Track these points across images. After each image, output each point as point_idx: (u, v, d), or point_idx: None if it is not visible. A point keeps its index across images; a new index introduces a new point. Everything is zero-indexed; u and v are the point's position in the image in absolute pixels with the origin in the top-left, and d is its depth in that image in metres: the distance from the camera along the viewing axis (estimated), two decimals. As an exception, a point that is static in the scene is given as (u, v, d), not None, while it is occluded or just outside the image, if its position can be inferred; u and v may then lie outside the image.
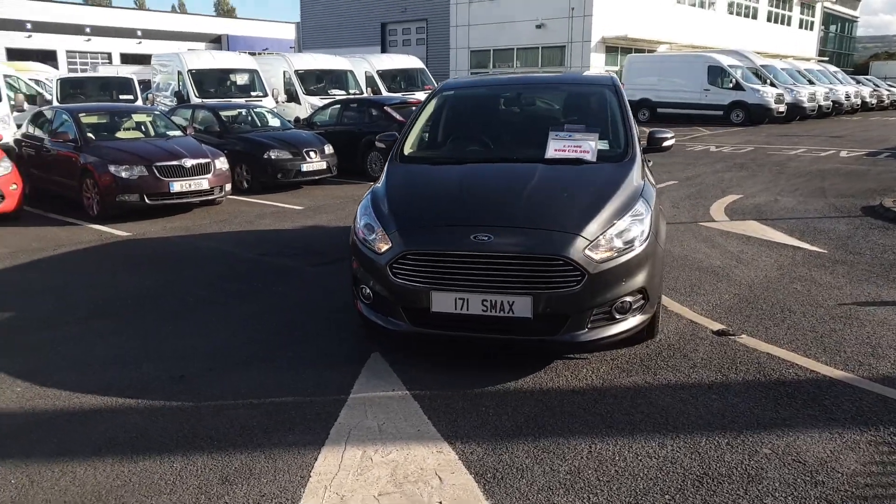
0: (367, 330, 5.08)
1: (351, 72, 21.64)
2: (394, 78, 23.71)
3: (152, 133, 11.26)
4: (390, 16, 42.15)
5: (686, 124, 27.09)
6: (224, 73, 19.56)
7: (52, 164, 10.78)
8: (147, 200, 9.64)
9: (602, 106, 6.00)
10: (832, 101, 31.53)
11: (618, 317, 4.32)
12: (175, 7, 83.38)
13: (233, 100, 17.57)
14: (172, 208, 10.23)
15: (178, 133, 11.36)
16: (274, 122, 14.08)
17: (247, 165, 12.29)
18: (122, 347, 5.09)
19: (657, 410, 3.96)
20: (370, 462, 3.48)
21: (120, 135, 10.94)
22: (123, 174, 9.53)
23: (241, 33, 60.15)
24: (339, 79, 21.23)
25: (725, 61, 28.10)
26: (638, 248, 4.34)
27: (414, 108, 12.30)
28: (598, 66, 32.81)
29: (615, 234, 4.32)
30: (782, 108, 27.34)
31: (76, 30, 50.45)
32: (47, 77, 21.49)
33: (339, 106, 15.57)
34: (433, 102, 6.30)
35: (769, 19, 46.82)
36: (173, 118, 13.05)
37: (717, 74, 28.00)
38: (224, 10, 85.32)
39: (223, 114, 13.64)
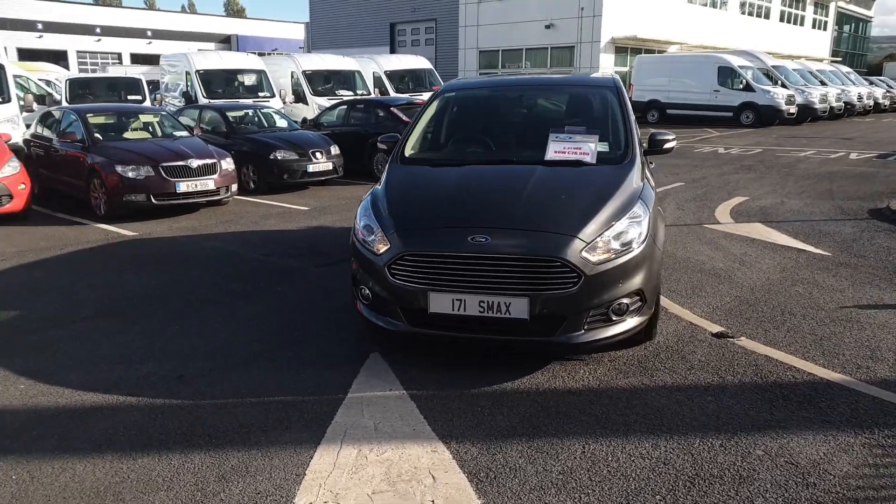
0: (367, 330, 5.12)
1: (358, 72, 21.69)
2: (402, 78, 23.76)
3: (159, 133, 11.35)
4: (399, 16, 42.21)
5: (695, 126, 27.05)
6: (232, 74, 19.67)
7: (60, 164, 10.89)
8: (153, 200, 9.71)
9: (603, 107, 6.01)
10: (844, 102, 31.35)
11: (615, 318, 4.34)
12: (185, 7, 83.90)
13: (240, 100, 17.69)
14: (179, 208, 10.31)
15: (184, 133, 11.45)
16: (281, 123, 14.15)
17: (253, 166, 12.37)
18: (127, 346, 5.14)
19: (652, 412, 3.98)
20: (365, 461, 3.52)
21: (127, 135, 11.04)
22: (130, 174, 9.61)
23: (250, 33, 60.45)
24: (346, 79, 21.29)
25: (736, 62, 27.99)
26: (635, 250, 4.35)
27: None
28: (607, 66, 32.72)
29: (612, 236, 4.34)
30: (793, 109, 27.20)
31: (86, 30, 50.85)
32: (57, 77, 21.65)
33: (345, 107, 15.63)
34: (435, 104, 6.33)
35: (782, 19, 46.52)
36: (181, 118, 13.15)
37: (727, 75, 27.89)
38: (234, 11, 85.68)
39: (230, 114, 13.73)
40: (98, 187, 9.93)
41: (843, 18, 59.34)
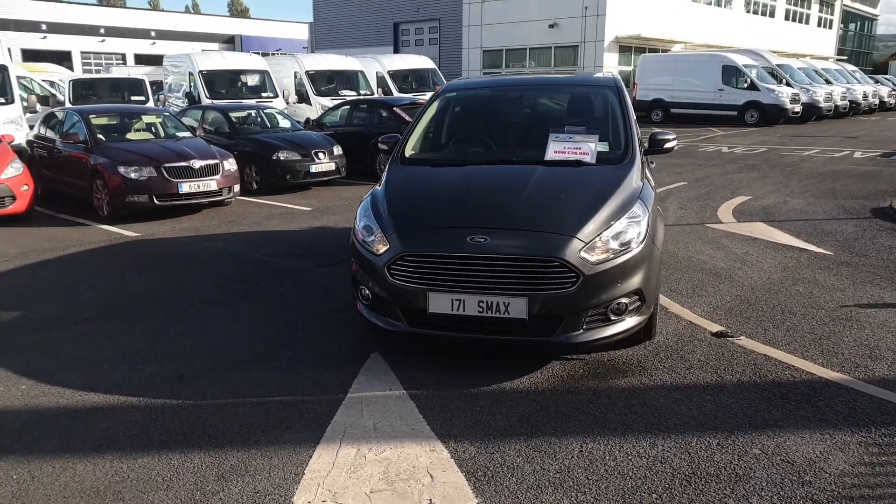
0: (367, 330, 5.14)
1: (362, 72, 21.72)
2: (405, 78, 23.78)
3: (162, 134, 11.39)
4: (403, 15, 42.25)
5: (700, 125, 27.00)
6: (235, 74, 19.72)
7: (63, 165, 10.94)
8: (156, 201, 9.75)
9: (603, 107, 6.02)
10: (849, 100, 31.25)
11: (613, 318, 4.35)
12: (189, 7, 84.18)
13: (243, 101, 17.73)
14: (181, 209, 10.35)
15: (187, 134, 11.49)
16: (284, 124, 14.18)
17: (256, 166, 12.40)
18: (129, 347, 5.17)
19: (650, 411, 3.99)
20: (364, 460, 3.54)
21: (130, 136, 11.07)
22: (133, 175, 9.65)
23: (254, 34, 60.58)
24: (349, 79, 21.33)
25: (740, 61, 27.91)
26: (634, 250, 4.36)
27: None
28: (611, 65, 32.67)
29: (611, 236, 4.35)
30: (798, 108, 27.14)
31: (90, 31, 51.00)
32: (61, 78, 21.72)
33: (348, 107, 15.66)
34: (435, 104, 6.35)
35: (787, 17, 46.35)
36: (184, 119, 13.20)
37: (731, 74, 27.81)
38: (238, 11, 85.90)
39: (233, 115, 13.77)
40: (101, 188, 9.97)
41: (848, 16, 59.12)
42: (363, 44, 40.87)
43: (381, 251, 4.50)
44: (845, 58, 51.41)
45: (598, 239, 4.28)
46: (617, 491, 3.22)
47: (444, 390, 4.29)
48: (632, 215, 4.51)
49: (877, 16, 66.48)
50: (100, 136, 10.59)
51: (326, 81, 20.89)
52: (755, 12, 43.16)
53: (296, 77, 20.73)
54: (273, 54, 28.63)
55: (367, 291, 4.65)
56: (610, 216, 4.45)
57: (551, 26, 34.19)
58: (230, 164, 10.56)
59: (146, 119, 11.79)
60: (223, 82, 19.26)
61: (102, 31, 51.75)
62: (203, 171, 10.09)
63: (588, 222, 4.35)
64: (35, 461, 3.60)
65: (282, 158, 12.17)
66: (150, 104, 18.84)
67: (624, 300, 4.33)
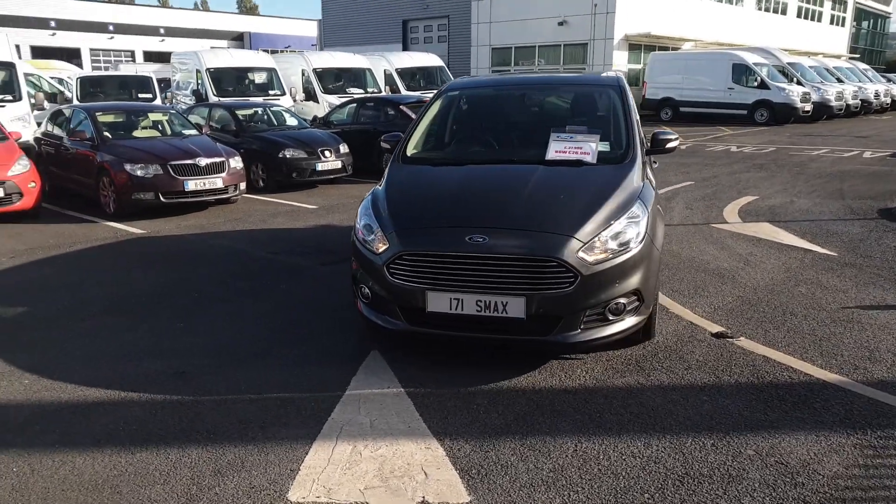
0: (367, 328, 5.17)
1: (369, 70, 21.74)
2: (413, 76, 23.80)
3: (168, 132, 11.45)
4: (412, 13, 42.27)
5: (709, 124, 26.90)
6: (242, 72, 19.78)
7: (70, 163, 11.02)
8: (162, 199, 9.81)
9: (605, 107, 6.02)
10: (861, 99, 31.06)
11: (611, 318, 4.35)
12: (198, 4, 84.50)
13: (250, 98, 17.78)
14: (187, 206, 10.41)
15: (193, 132, 11.55)
16: (290, 121, 14.23)
17: (262, 164, 12.45)
18: (134, 344, 5.22)
19: (647, 411, 4.00)
20: (359, 457, 3.57)
21: (136, 133, 11.15)
22: (139, 172, 9.72)
23: (263, 31, 60.72)
24: (357, 77, 21.36)
25: (750, 59, 27.76)
26: (633, 250, 4.36)
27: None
28: (620, 64, 32.56)
29: (610, 236, 4.35)
30: (808, 107, 26.99)
31: (100, 28, 51.23)
32: (69, 75, 21.84)
33: (355, 105, 15.68)
34: (437, 103, 6.36)
35: (799, 15, 46.03)
36: (190, 117, 13.26)
37: (741, 73, 27.68)
38: (247, 8, 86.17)
39: (240, 112, 13.82)
40: (107, 185, 10.04)
41: (861, 14, 58.64)
42: (372, 41, 40.89)
43: (380, 250, 4.52)
44: (858, 56, 51.03)
45: (596, 239, 4.29)
46: (609, 490, 3.23)
47: (441, 388, 4.32)
48: (631, 215, 4.52)
49: (890, 13, 65.90)
50: (106, 133, 10.67)
51: (334, 79, 20.94)
52: (767, 10, 42.86)
53: (303, 74, 20.79)
54: (282, 52, 28.67)
55: (367, 290, 4.67)
56: (609, 216, 4.45)
57: (560, 24, 34.10)
58: (236, 162, 10.61)
59: (153, 117, 11.86)
60: (230, 80, 19.33)
61: (111, 28, 51.98)
62: (209, 168, 10.14)
63: (587, 222, 4.35)
64: (35, 455, 3.65)
65: (288, 156, 12.22)
66: (158, 102, 18.95)
67: (622, 300, 4.34)
